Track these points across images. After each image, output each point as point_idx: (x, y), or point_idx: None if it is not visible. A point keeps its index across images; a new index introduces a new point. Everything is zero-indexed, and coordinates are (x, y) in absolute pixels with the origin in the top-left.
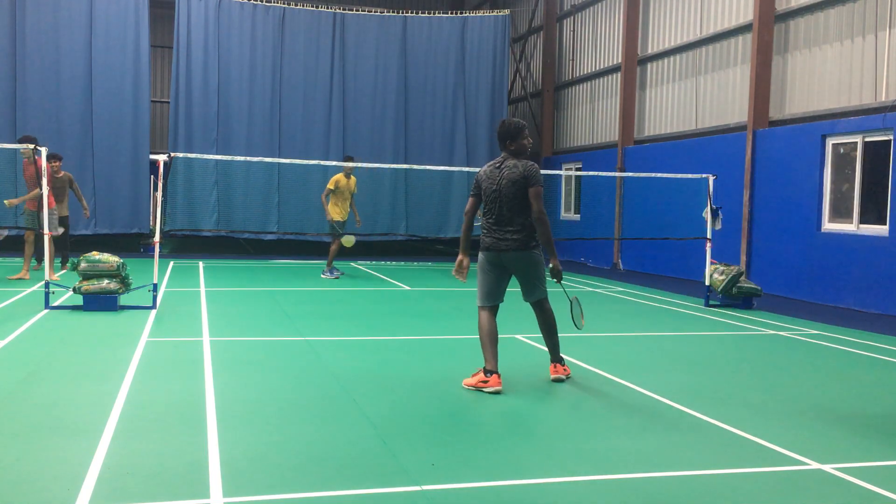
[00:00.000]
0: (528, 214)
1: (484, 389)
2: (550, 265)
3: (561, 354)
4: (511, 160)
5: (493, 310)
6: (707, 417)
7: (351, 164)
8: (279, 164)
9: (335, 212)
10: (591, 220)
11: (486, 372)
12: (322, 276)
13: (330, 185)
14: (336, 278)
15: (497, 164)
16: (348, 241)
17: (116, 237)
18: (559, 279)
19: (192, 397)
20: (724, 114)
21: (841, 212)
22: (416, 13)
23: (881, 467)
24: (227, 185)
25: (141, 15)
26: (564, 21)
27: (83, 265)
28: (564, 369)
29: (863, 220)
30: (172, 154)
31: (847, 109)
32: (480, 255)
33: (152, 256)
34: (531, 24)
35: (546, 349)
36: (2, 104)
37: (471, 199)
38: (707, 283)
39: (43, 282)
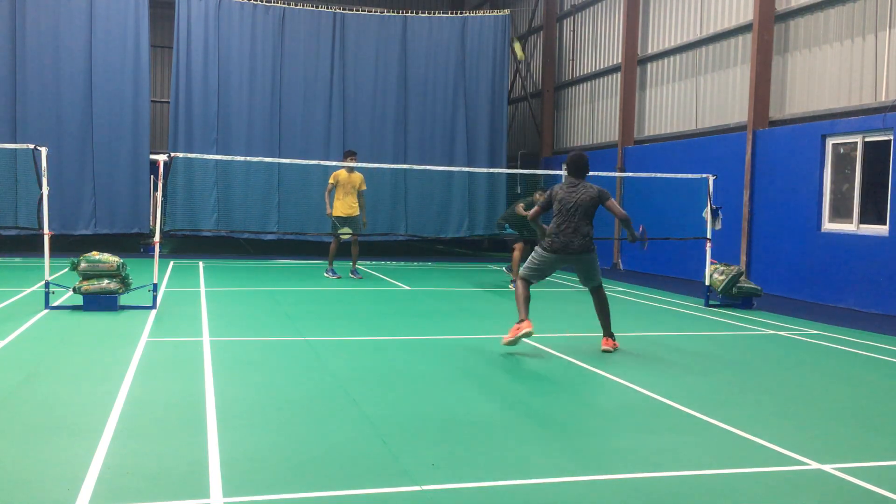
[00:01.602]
0: (591, 224)
1: (520, 333)
2: (639, 230)
3: (612, 331)
4: (584, 183)
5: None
6: (707, 417)
7: (349, 163)
8: (279, 164)
9: (336, 207)
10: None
11: (519, 322)
12: (325, 275)
13: (330, 180)
14: (338, 278)
15: (573, 185)
16: (346, 232)
17: (116, 237)
18: (644, 238)
19: (192, 397)
20: (724, 114)
21: (841, 212)
22: (416, 13)
23: (881, 467)
24: (227, 185)
25: (141, 15)
26: (564, 21)
27: (83, 265)
28: (614, 343)
29: (863, 220)
30: (172, 154)
31: (847, 109)
32: (545, 251)
33: (152, 256)
34: (531, 24)
35: (600, 326)
36: (2, 104)
37: (538, 209)
38: (707, 283)
39: (43, 282)
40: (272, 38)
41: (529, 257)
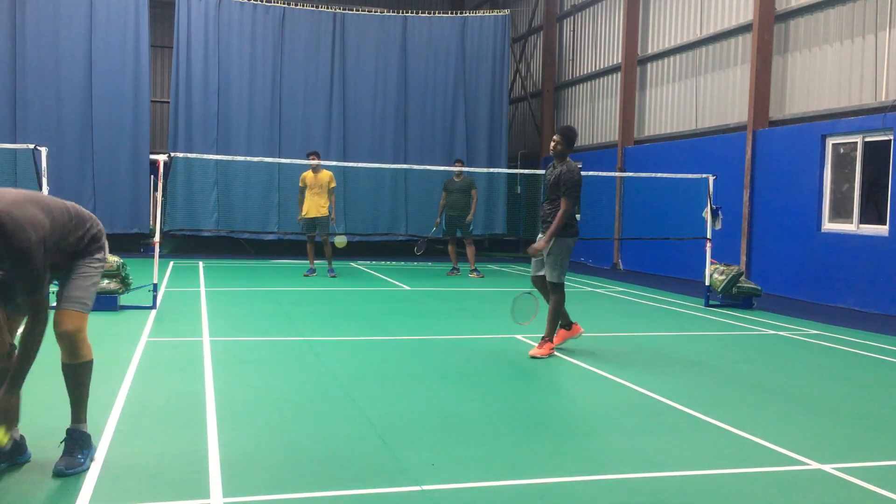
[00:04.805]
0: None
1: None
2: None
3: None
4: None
5: None
6: (707, 417)
7: (314, 161)
8: (279, 164)
9: (305, 208)
10: (591, 219)
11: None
12: (329, 275)
13: (300, 183)
14: (309, 276)
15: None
16: (340, 241)
17: (116, 237)
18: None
19: (191, 397)
20: (724, 114)
21: (841, 212)
22: (416, 13)
23: (881, 467)
24: (227, 185)
25: (141, 15)
26: (564, 21)
27: None
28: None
29: (863, 220)
30: (172, 154)
31: (847, 109)
32: (571, 241)
33: (152, 256)
34: (531, 24)
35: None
36: (2, 104)
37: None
38: (707, 283)
39: None
40: (272, 38)
41: (563, 257)
